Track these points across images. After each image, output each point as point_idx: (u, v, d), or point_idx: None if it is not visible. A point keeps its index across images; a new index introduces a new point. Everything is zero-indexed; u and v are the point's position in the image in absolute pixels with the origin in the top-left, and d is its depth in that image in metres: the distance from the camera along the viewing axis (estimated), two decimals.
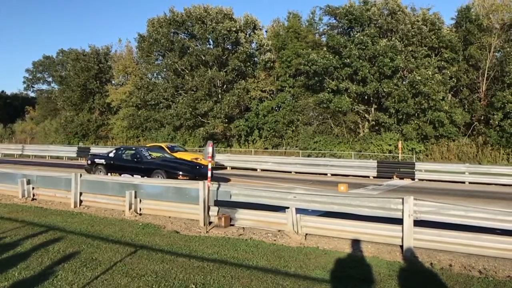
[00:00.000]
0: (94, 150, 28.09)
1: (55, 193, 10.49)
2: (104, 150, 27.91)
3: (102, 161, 14.22)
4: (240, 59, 30.63)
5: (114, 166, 13.83)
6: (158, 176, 12.46)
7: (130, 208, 8.90)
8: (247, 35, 32.63)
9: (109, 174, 13.42)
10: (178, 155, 17.91)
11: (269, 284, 4.73)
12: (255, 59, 32.96)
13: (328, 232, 7.06)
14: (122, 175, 12.59)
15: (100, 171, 13.95)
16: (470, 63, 26.33)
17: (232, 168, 21.64)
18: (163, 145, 20.17)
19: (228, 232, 7.46)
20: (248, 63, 32.00)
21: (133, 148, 15.24)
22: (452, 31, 26.87)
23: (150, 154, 14.14)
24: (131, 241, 6.57)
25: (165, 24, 32.75)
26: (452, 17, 29.46)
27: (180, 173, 12.51)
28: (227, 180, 15.33)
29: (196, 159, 17.80)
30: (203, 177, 12.71)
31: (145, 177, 11.85)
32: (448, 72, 25.34)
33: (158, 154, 14.67)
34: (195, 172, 12.90)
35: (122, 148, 15.22)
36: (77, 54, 41.30)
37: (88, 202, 9.92)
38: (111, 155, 14.32)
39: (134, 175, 12.45)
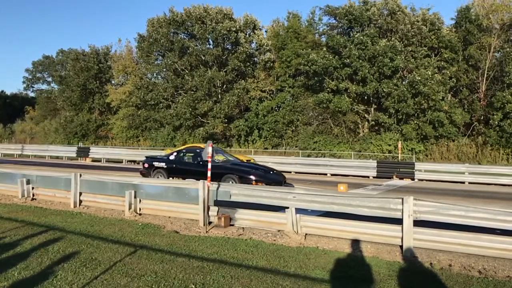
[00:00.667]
0: (93, 149, 28.15)
1: (54, 193, 10.47)
2: (102, 150, 28.08)
3: (163, 164, 13.23)
4: (240, 59, 30.60)
5: (177, 170, 12.90)
6: (230, 181, 11.31)
7: (129, 208, 8.89)
8: (247, 35, 32.61)
9: (170, 178, 12.48)
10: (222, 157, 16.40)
11: (268, 284, 4.73)
12: (255, 59, 32.95)
13: (328, 232, 7.06)
14: (186, 180, 11.70)
15: (160, 175, 13.01)
16: (470, 63, 26.36)
17: None
18: (200, 146, 18.64)
19: (228, 232, 7.45)
20: (248, 63, 31.98)
21: (197, 150, 13.70)
22: (452, 31, 26.89)
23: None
24: (130, 241, 6.57)
25: (165, 24, 32.72)
26: (452, 17, 29.58)
27: (254, 178, 11.43)
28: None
29: (248, 161, 16.47)
30: (276, 183, 11.54)
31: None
32: (448, 72, 25.35)
33: (222, 157, 13.38)
34: (269, 177, 11.91)
35: (184, 151, 14.03)
36: (77, 54, 41.30)
37: (88, 202, 9.90)
38: (172, 157, 13.34)
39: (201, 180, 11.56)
